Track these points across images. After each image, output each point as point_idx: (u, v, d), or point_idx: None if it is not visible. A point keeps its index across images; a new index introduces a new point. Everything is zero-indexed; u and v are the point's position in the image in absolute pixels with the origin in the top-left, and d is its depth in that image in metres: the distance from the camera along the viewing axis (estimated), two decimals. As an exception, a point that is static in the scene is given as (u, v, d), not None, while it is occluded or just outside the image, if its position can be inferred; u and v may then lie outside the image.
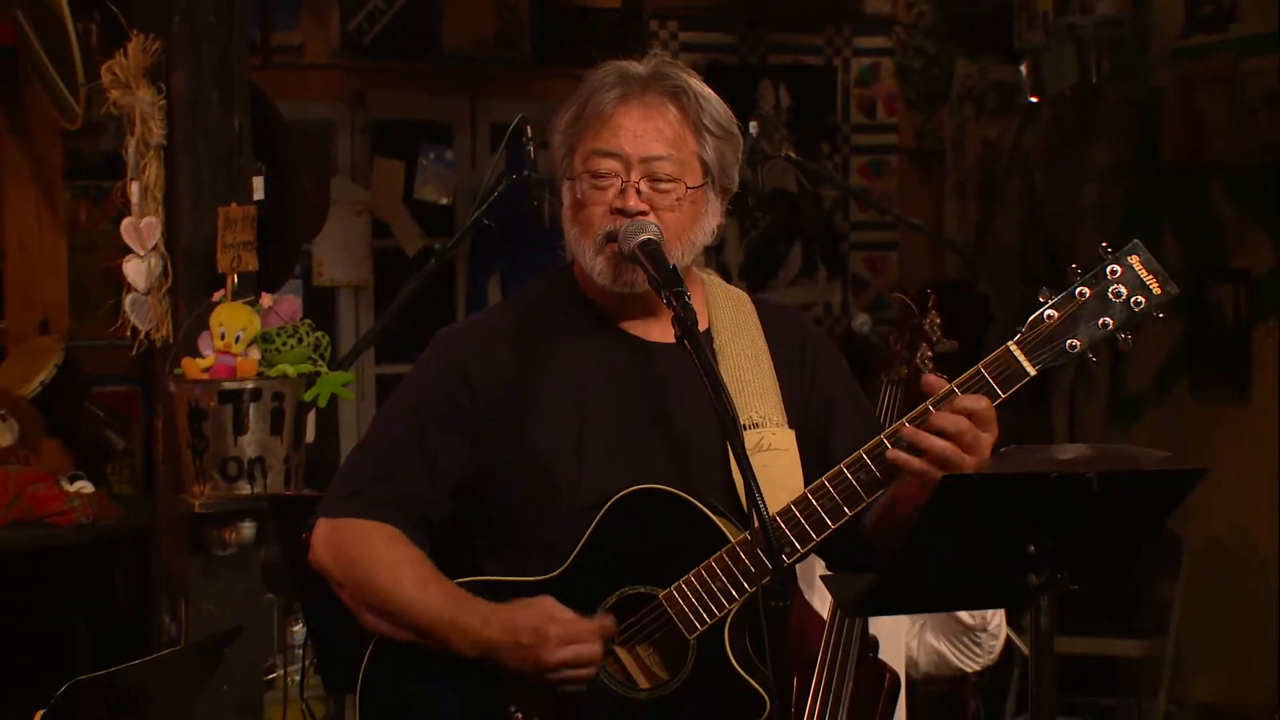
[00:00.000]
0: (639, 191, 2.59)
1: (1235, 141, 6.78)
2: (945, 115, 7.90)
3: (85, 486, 4.96)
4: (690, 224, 2.64)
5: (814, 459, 2.68)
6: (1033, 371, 2.45)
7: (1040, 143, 7.36)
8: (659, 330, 2.68)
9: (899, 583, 2.83)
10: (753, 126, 5.61)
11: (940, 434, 2.42)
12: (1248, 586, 6.49)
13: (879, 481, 2.49)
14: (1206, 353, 6.96)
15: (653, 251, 2.54)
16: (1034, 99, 7.35)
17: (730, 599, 2.51)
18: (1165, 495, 2.81)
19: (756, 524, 2.36)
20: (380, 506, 2.65)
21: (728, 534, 2.53)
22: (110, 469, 5.65)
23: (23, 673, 4.69)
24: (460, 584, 2.62)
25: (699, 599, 2.52)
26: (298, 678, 4.85)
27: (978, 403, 2.43)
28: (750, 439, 2.57)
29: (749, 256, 7.40)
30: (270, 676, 4.77)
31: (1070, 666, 6.16)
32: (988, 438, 2.44)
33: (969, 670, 4.15)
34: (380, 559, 2.63)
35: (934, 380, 2.49)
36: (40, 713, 3.05)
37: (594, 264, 2.62)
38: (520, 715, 2.59)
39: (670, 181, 2.60)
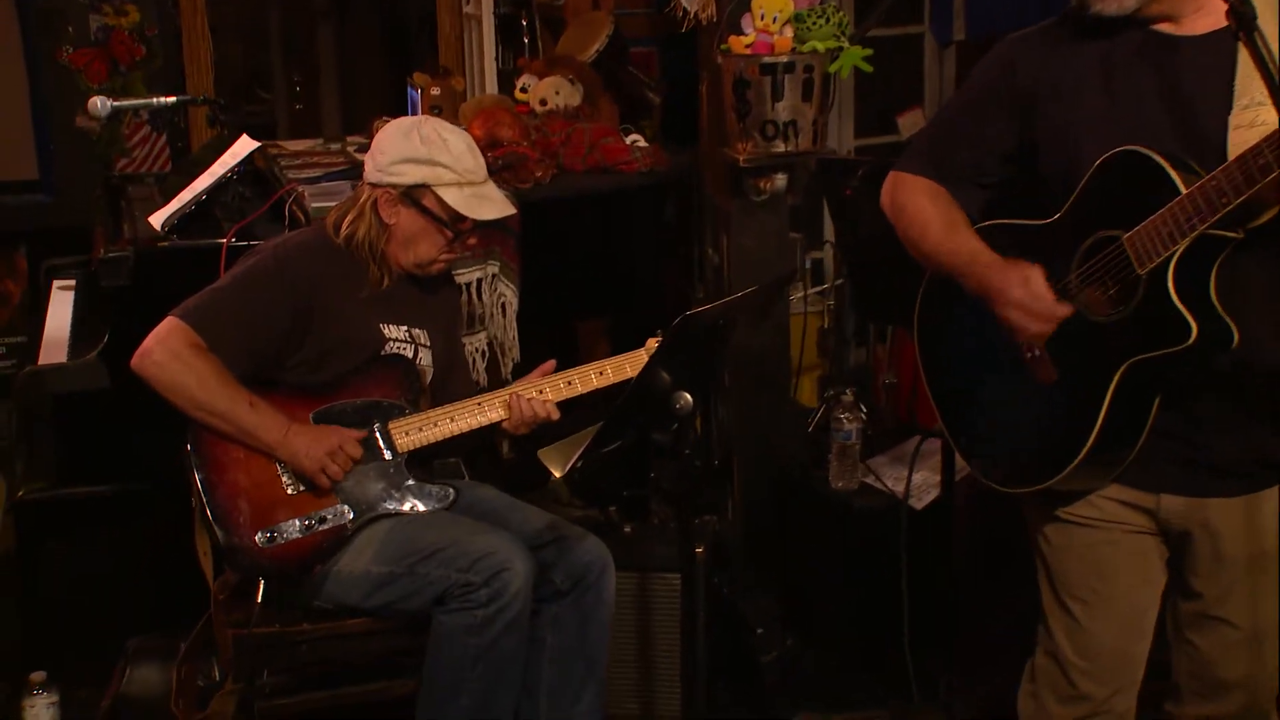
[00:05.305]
0: None
1: None
2: None
3: (640, 140, 3.74)
4: None
5: None
6: None
7: None
8: (1181, 27, 1.90)
9: None
10: None
11: None
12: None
13: None
14: None
15: None
16: None
17: (1177, 240, 1.78)
18: None
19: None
20: (933, 167, 2.11)
21: (1183, 188, 1.78)
22: (645, 123, 4.38)
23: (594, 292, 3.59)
24: (980, 228, 2.05)
25: (1153, 240, 1.81)
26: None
27: None
28: (1245, 118, 1.81)
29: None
30: (793, 297, 3.64)
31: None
32: None
33: None
34: (918, 210, 2.10)
35: None
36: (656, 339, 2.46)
37: None
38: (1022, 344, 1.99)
39: None
